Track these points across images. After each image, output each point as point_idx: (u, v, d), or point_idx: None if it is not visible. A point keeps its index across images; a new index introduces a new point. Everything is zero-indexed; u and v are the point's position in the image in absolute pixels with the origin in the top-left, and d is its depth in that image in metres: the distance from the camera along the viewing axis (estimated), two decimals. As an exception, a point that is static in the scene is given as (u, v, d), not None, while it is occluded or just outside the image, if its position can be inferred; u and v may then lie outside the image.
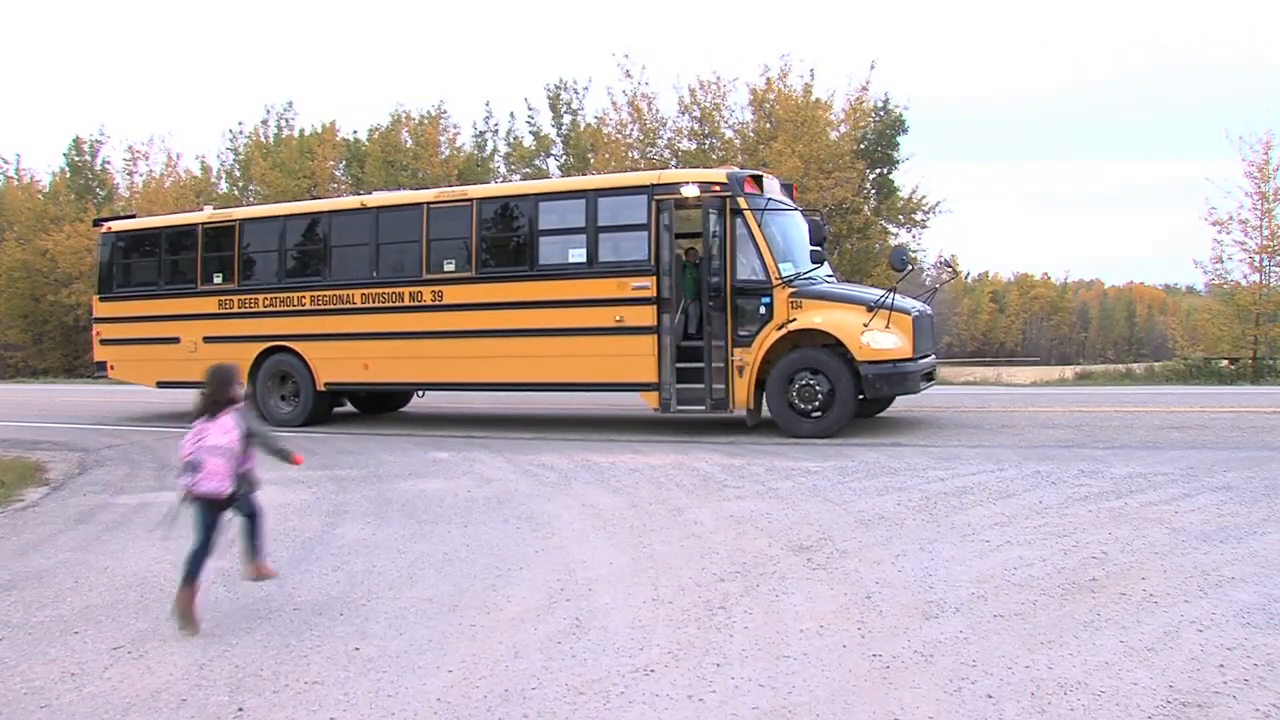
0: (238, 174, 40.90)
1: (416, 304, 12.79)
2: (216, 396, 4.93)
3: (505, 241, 12.79)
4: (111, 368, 15.10)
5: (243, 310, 13.94)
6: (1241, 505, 6.77)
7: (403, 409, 16.06)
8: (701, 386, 11.39)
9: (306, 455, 10.81)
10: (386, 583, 5.59)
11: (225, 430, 4.87)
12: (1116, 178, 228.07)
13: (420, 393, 15.29)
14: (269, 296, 13.77)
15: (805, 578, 5.35)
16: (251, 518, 5.08)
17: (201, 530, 4.86)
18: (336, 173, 38.77)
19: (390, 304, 12.94)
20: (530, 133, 38.60)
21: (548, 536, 6.59)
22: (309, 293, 13.49)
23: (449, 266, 12.71)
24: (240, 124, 56.90)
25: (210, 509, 4.87)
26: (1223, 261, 25.90)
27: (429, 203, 13.04)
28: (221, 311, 14.09)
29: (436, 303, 12.68)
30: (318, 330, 13.38)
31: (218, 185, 41.09)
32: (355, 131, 41.34)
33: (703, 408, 11.38)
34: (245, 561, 5.16)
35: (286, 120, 41.86)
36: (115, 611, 5.25)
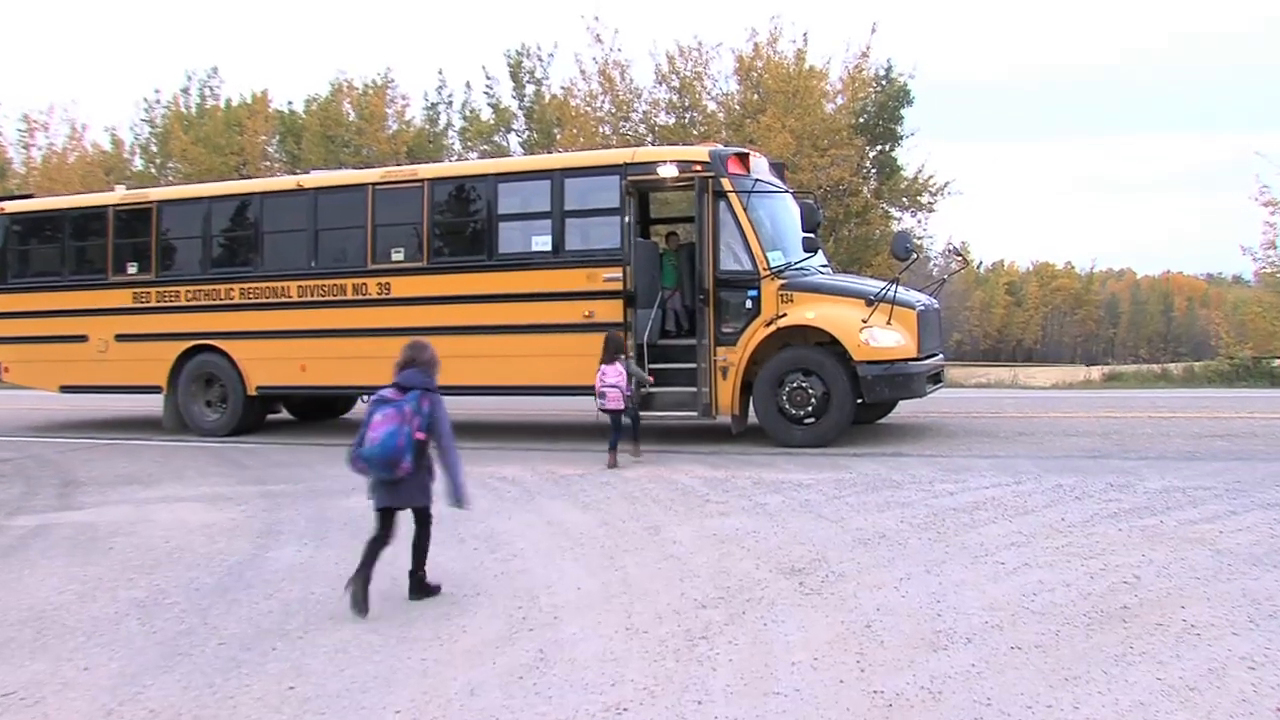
0: (154, 149, 40.38)
1: (361, 298, 12.72)
2: (612, 351, 10.16)
3: (461, 228, 12.73)
4: (6, 370, 14.89)
5: (162, 305, 13.80)
6: (1293, 523, 6.80)
7: (346, 415, 15.96)
8: (679, 390, 11.41)
9: (234, 468, 10.84)
10: (326, 612, 5.54)
11: (618, 372, 10.07)
12: (1150, 154, 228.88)
13: (365, 397, 15.18)
14: (192, 289, 13.64)
15: (797, 604, 5.36)
16: (635, 421, 10.55)
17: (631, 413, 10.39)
18: (269, 149, 38.52)
19: (331, 298, 12.86)
20: (489, 105, 38.57)
21: (508, 558, 6.56)
22: (238, 285, 13.38)
23: (397, 256, 12.66)
24: (157, 92, 56.23)
25: (614, 416, 10.14)
26: (1276, 247, 25.56)
27: (374, 184, 12.98)
28: (137, 306, 13.94)
29: (383, 296, 12.62)
30: (248, 327, 13.28)
31: (131, 162, 40.55)
32: (290, 103, 41.27)
33: (680, 413, 11.39)
34: (632, 453, 10.33)
35: (211, 89, 41.43)
36: (7, 651, 5.16)
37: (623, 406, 10.15)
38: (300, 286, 13.05)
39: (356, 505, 8.43)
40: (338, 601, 5.69)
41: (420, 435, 5.68)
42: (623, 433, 10.32)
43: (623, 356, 10.21)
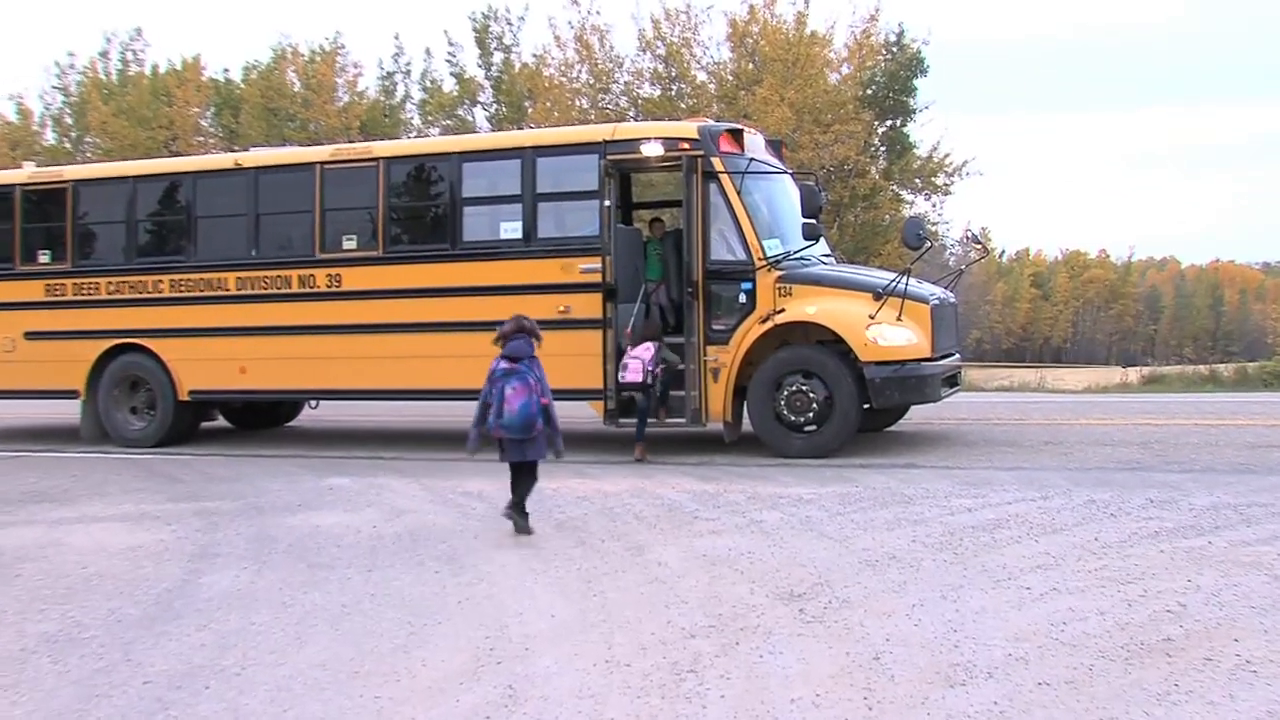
0: (69, 121, 40.06)
1: (308, 291, 12.69)
2: (649, 335, 11.01)
3: (420, 213, 12.70)
4: None
5: (79, 298, 13.71)
6: (1364, 546, 6.79)
7: (291, 423, 15.91)
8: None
9: (164, 483, 10.79)
10: (267, 645, 5.51)
11: (647, 348, 10.86)
12: (1199, 125, 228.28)
13: (313, 403, 15.17)
14: (114, 281, 13.56)
15: (797, 633, 5.36)
16: (643, 415, 11.09)
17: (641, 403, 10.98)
18: (203, 122, 38.37)
19: (274, 290, 12.82)
20: (451, 75, 38.57)
21: (474, 583, 6.54)
22: (168, 276, 13.31)
23: (349, 244, 12.64)
24: (71, 56, 55.45)
25: (636, 390, 10.85)
26: None
27: (323, 163, 12.94)
28: (50, 300, 13.83)
29: (334, 289, 12.58)
30: (180, 324, 13.21)
31: (42, 135, 40.17)
32: (226, 70, 40.95)
33: (657, 420, 11.41)
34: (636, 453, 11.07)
35: (134, 53, 41.04)
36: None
37: (641, 379, 10.71)
38: (239, 278, 12.99)
39: (303, 523, 8.42)
40: (282, 632, 5.67)
41: (545, 400, 7.59)
42: (645, 418, 11.07)
43: (658, 340, 11.01)
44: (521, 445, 7.63)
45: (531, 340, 7.75)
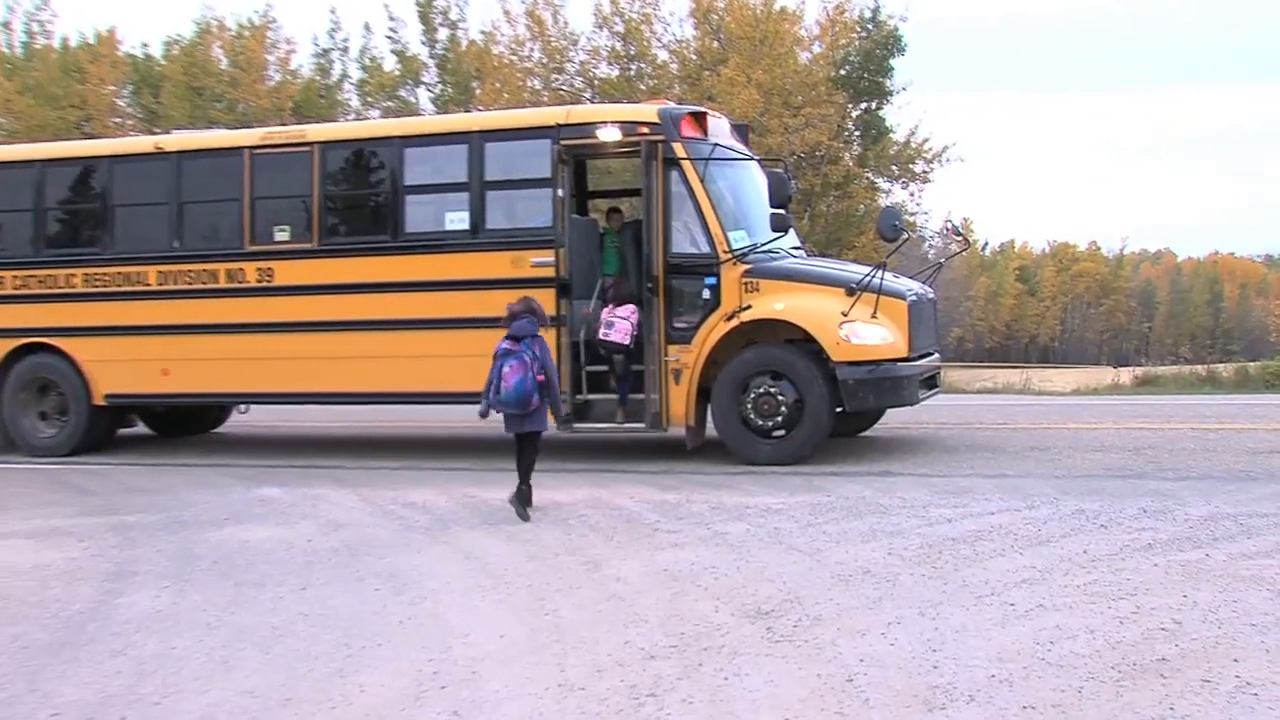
0: (-33, 99, 39.54)
1: (237, 286, 12.58)
2: (627, 294, 11.29)
3: (359, 202, 12.63)
4: None
5: (-17, 294, 13.52)
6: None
7: (218, 430, 15.77)
8: (617, 397, 11.43)
9: (77, 495, 10.66)
10: (190, 671, 5.46)
11: (631, 311, 11.17)
12: (1196, 108, 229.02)
13: (242, 407, 15.04)
14: (21, 275, 13.36)
15: (765, 653, 5.37)
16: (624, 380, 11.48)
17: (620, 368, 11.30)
18: (119, 102, 37.87)
19: (200, 285, 12.70)
20: (393, 53, 38.35)
21: (417, 600, 6.52)
22: (80, 270, 13.14)
23: (281, 235, 12.54)
24: (-32, 28, 54.92)
25: (618, 351, 11.17)
26: None
27: (253, 147, 12.82)
28: (-51, 296, 13.62)
29: (265, 284, 12.49)
30: (94, 322, 13.05)
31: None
32: (145, 45, 40.71)
33: (615, 424, 11.42)
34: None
35: (41, 24, 40.41)
36: None
37: (627, 341, 11.08)
38: (161, 272, 12.85)
39: (231, 538, 8.36)
40: (207, 657, 5.61)
41: (541, 377, 8.67)
42: (627, 384, 11.37)
43: (634, 308, 11.24)
44: (520, 419, 8.78)
45: (535, 320, 8.91)
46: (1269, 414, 14.91)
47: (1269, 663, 5.06)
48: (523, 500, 8.82)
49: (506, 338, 8.79)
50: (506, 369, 8.61)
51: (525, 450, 8.93)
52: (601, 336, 11.26)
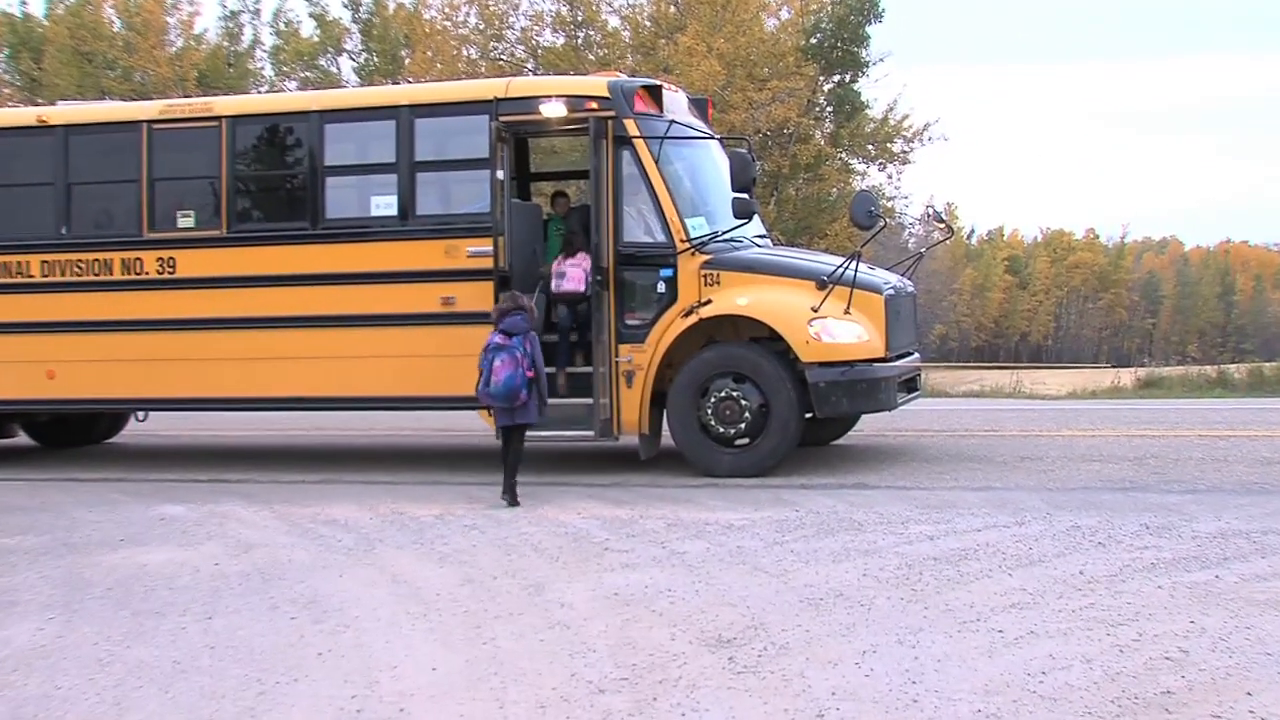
0: None
1: (134, 278, 12.48)
2: (575, 243, 11.65)
3: (274, 184, 12.58)
4: None
5: None
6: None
7: (112, 440, 15.63)
8: (570, 402, 11.38)
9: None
10: (78, 714, 5.40)
11: (583, 258, 11.48)
12: (1203, 81, 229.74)
13: (140, 415, 14.90)
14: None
15: (726, 686, 5.38)
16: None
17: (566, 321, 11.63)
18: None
19: (91, 278, 12.59)
20: (311, 17, 38.23)
21: (339, 629, 6.48)
22: (-49, 259, 12.98)
23: (185, 222, 12.45)
24: None
25: (577, 302, 11.54)
26: None
27: (152, 121, 12.72)
28: None
29: (166, 276, 12.39)
30: (-32, 319, 12.90)
31: None
32: (24, 4, 40.01)
33: (572, 432, 11.40)
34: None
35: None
36: None
37: (583, 289, 11.40)
38: (45, 262, 12.72)
39: (127, 561, 8.27)
40: (98, 697, 5.55)
41: (530, 374, 9.81)
42: (570, 340, 11.69)
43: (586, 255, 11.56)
44: (508, 412, 9.91)
45: (526, 317, 10.00)
46: (1284, 420, 15.09)
47: (1286, 694, 5.08)
48: (512, 495, 9.95)
49: (498, 332, 9.88)
50: (498, 363, 9.74)
51: (511, 443, 10.06)
52: (555, 289, 11.50)
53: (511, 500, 9.91)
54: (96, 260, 12.59)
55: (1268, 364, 27.01)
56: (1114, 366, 60.78)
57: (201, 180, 12.48)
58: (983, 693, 5.19)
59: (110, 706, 5.45)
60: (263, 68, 39.10)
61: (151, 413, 14.44)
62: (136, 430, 15.95)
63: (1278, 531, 8.14)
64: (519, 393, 9.76)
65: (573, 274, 11.45)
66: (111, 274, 12.54)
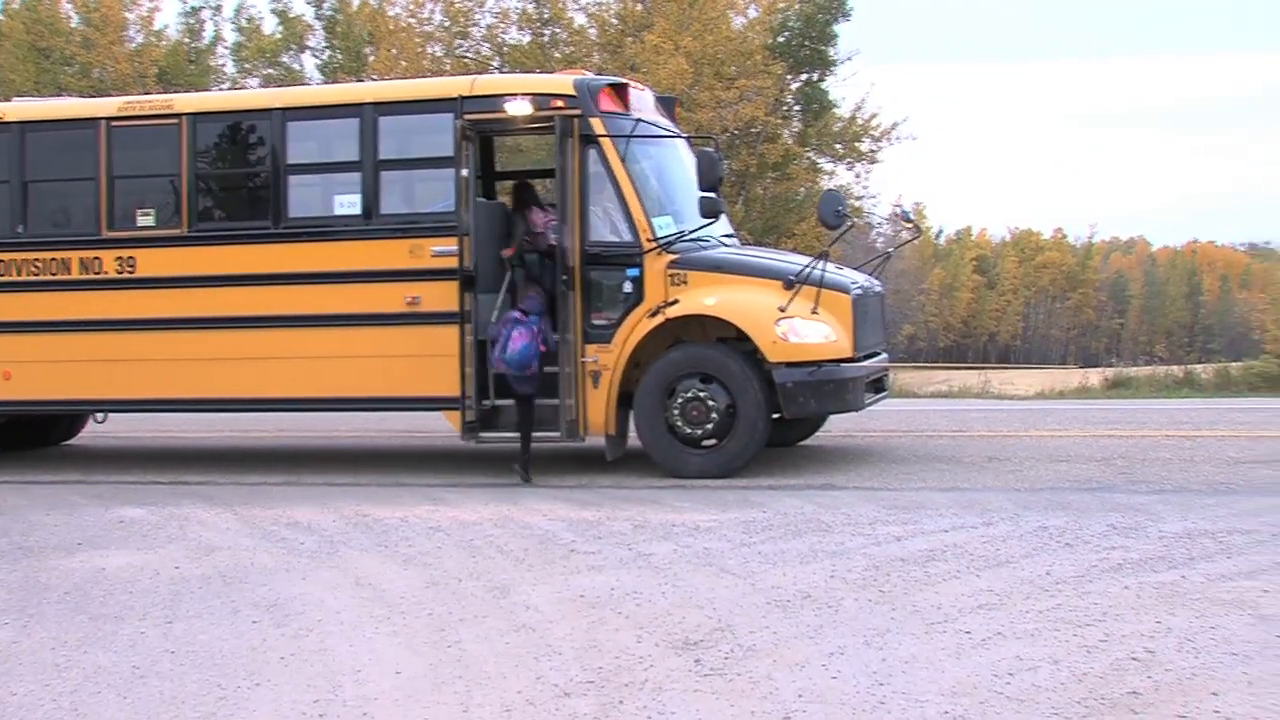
0: None
1: (92, 278, 12.39)
2: (519, 199, 12.22)
3: (235, 182, 12.53)
4: None
5: None
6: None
7: (70, 442, 15.51)
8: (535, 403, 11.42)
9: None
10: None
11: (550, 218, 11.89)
12: (1172, 81, 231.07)
13: (99, 416, 14.81)
14: None
15: (693, 688, 5.38)
16: None
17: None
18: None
19: (48, 277, 12.50)
20: (274, 13, 38.06)
21: (301, 634, 6.45)
22: (-98, 257, 12.85)
23: (145, 220, 12.38)
24: None
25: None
26: None
27: (111, 118, 12.62)
28: None
29: (125, 275, 12.31)
30: (-79, 318, 12.78)
31: None
32: (-22, -2, 39.71)
33: (538, 433, 11.37)
34: None
35: None
36: None
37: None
38: (1, 262, 12.63)
39: (85, 565, 8.21)
40: (54, 703, 5.51)
41: (544, 348, 10.73)
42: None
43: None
44: (519, 380, 10.67)
45: (543, 300, 11.20)
46: (1252, 420, 15.22)
47: (1252, 695, 5.10)
48: (525, 468, 10.93)
49: (517, 309, 10.98)
50: (515, 333, 10.60)
51: (522, 412, 10.93)
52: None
53: (525, 477, 10.84)
54: (54, 259, 12.49)
55: (1234, 364, 27.19)
56: (1081, 367, 61.10)
57: (162, 179, 12.41)
58: (950, 694, 5.20)
59: (67, 713, 5.40)
60: (224, 65, 38.99)
61: (110, 414, 14.35)
62: (96, 432, 15.84)
63: (1243, 531, 8.20)
64: (531, 363, 10.56)
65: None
66: (70, 273, 12.45)
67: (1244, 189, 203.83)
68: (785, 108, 31.62)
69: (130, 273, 12.30)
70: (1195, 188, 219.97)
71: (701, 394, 10.91)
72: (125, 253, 12.32)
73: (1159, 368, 31.28)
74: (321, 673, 5.80)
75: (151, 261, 12.28)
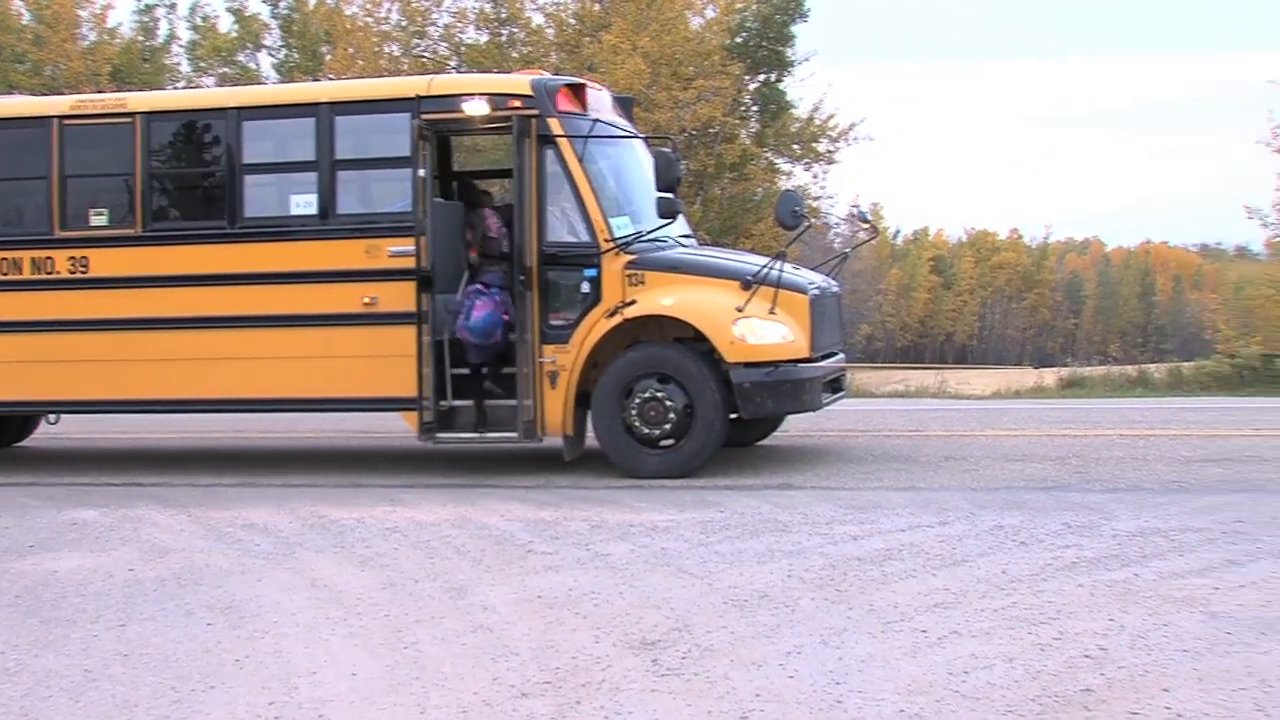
0: None
1: (44, 278, 12.27)
2: (469, 200, 12.40)
3: (190, 181, 12.44)
4: None
5: None
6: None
7: (21, 443, 15.36)
8: (492, 404, 11.39)
9: None
10: (-14, 723, 5.32)
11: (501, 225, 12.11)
12: (1126, 82, 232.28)
13: (51, 417, 14.68)
14: None
15: (650, 689, 5.39)
16: None
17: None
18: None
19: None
20: (229, 11, 37.83)
21: (256, 636, 6.42)
22: None
23: (99, 220, 12.28)
24: None
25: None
26: None
27: (63, 117, 12.51)
28: None
29: (78, 275, 12.20)
30: None
31: None
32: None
33: (495, 434, 11.38)
34: None
35: None
36: None
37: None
38: (-47, 261, 12.50)
39: (36, 568, 8.14)
40: (3, 708, 5.46)
41: (507, 317, 11.02)
42: None
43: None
44: (480, 349, 11.05)
45: (502, 274, 11.35)
46: (1204, 419, 15.35)
47: (1202, 692, 5.15)
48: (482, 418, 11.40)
49: (478, 282, 11.27)
50: (479, 302, 10.97)
51: (480, 388, 11.24)
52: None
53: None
54: (5, 259, 12.35)
55: (1186, 364, 27.40)
56: (1037, 367, 61.49)
57: (115, 178, 12.31)
58: (906, 693, 5.23)
59: (17, 717, 5.36)
60: (179, 63, 38.73)
61: (63, 415, 14.24)
62: (48, 433, 15.69)
63: (1195, 530, 8.27)
64: (495, 331, 10.90)
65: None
66: (21, 273, 12.33)
67: (1197, 190, 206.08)
68: (743, 108, 31.70)
69: (83, 273, 12.20)
70: (1150, 189, 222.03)
71: (659, 394, 10.92)
72: (78, 252, 12.21)
73: (1113, 367, 31.52)
74: (277, 675, 5.78)
75: (105, 261, 12.18)
